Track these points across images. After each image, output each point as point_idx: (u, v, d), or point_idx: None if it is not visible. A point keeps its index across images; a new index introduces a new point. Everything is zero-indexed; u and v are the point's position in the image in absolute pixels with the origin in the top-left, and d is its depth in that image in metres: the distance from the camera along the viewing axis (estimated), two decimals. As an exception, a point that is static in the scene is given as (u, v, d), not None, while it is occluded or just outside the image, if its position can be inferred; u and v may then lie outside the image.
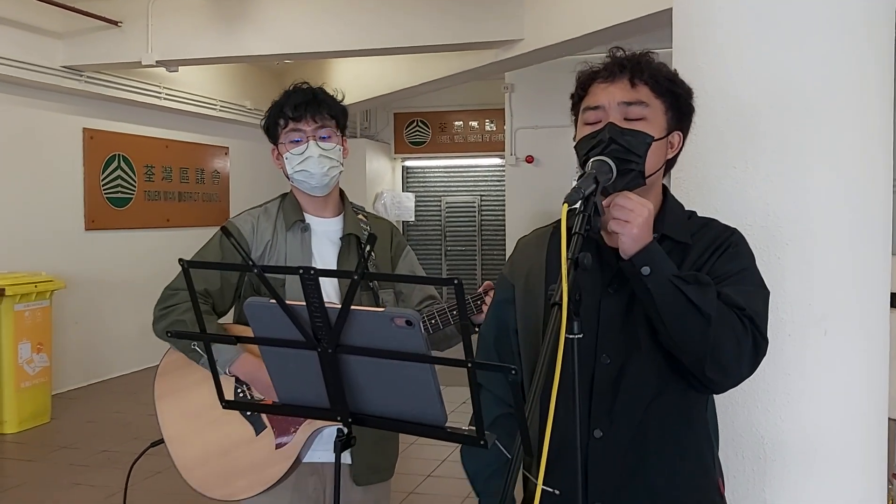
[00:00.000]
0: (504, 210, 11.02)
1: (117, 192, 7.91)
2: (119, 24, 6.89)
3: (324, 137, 2.18)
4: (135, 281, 7.84)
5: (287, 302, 1.08)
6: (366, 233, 2.25)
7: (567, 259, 1.25)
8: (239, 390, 2.13)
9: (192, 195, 9.01)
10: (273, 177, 10.16)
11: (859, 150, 1.96)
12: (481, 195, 12.32)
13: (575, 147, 1.58)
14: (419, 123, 12.16)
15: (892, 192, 2.08)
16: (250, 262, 1.07)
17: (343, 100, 2.25)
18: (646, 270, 1.39)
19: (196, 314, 1.17)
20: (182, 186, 8.85)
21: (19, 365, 6.00)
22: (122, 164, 7.97)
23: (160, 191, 8.52)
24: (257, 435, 2.09)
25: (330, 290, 2.16)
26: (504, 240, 10.85)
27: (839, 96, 1.95)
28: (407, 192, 12.31)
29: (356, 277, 1.02)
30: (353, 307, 1.04)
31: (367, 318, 1.05)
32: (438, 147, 12.17)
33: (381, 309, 1.03)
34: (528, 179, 10.32)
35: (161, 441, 2.16)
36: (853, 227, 1.96)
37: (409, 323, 1.02)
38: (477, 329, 2.13)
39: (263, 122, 2.24)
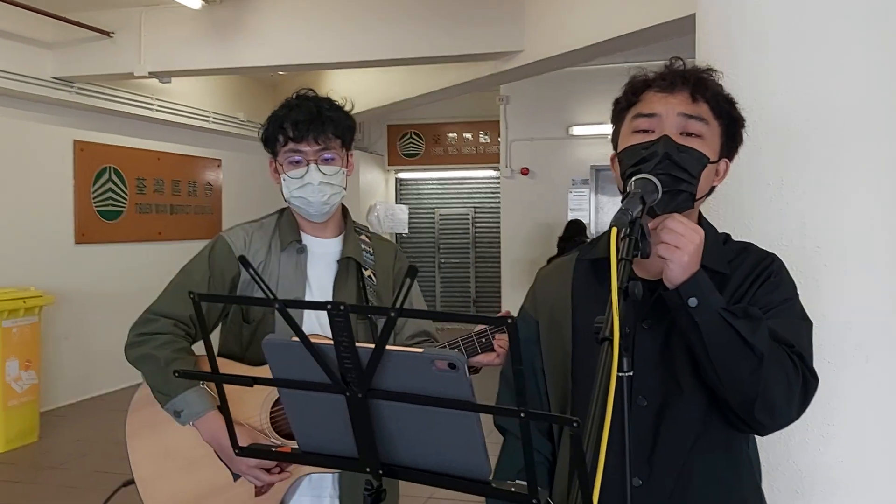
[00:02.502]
0: (498, 222, 10.95)
1: (108, 204, 7.76)
2: (111, 35, 6.77)
3: (326, 159, 1.98)
4: (126, 295, 7.67)
5: (314, 340, 0.96)
6: (369, 257, 2.11)
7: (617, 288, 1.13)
8: None
9: (185, 208, 8.86)
10: (266, 190, 9.98)
11: (900, 166, 1.86)
12: (475, 207, 12.23)
13: (619, 154, 1.44)
14: (413, 135, 12.09)
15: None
16: (272, 296, 0.94)
17: (352, 109, 2.07)
18: (693, 302, 1.27)
19: (208, 352, 1.05)
20: (174, 199, 8.70)
21: (6, 383, 5.83)
22: (113, 176, 7.82)
23: (152, 203, 8.37)
24: (235, 480, 1.91)
25: (325, 321, 1.99)
26: (499, 252, 10.76)
27: (878, 112, 1.85)
28: (400, 204, 12.21)
29: (393, 315, 0.90)
30: (388, 347, 0.92)
31: (404, 359, 0.93)
32: (432, 159, 12.09)
33: (420, 350, 0.91)
34: (524, 192, 10.26)
35: (132, 481, 1.98)
36: (893, 247, 1.86)
37: (452, 366, 0.90)
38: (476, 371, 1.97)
39: (262, 131, 2.04)
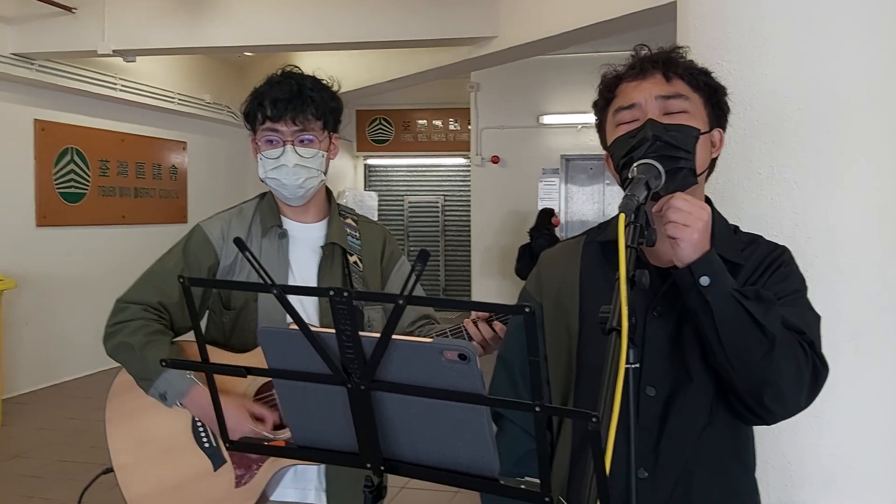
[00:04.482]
0: (468, 210, 10.92)
1: (70, 187, 7.56)
2: (73, 11, 6.56)
3: (304, 141, 1.90)
4: (89, 279, 7.52)
5: (313, 328, 0.90)
6: (355, 242, 2.04)
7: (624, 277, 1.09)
8: (199, 423, 1.89)
9: (149, 191, 8.68)
10: (233, 173, 9.84)
11: (893, 154, 1.85)
12: (445, 195, 12.19)
13: (609, 149, 1.43)
14: (382, 121, 11.99)
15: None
16: (270, 281, 0.88)
17: (339, 90, 1.99)
18: (705, 281, 1.24)
19: (198, 341, 0.98)
20: (138, 182, 8.52)
21: (-35, 369, 5.68)
22: (76, 157, 7.62)
23: (115, 186, 8.18)
24: (215, 470, 1.86)
25: (310, 308, 1.94)
26: (468, 240, 10.74)
27: (871, 98, 1.83)
28: (369, 190, 12.12)
29: (401, 302, 0.84)
30: (394, 337, 0.87)
31: (411, 350, 0.88)
32: (402, 146, 12.02)
33: (429, 339, 0.86)
34: (494, 180, 10.24)
35: (111, 469, 1.92)
36: (886, 237, 1.84)
37: (462, 357, 0.85)
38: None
39: (244, 106, 1.96)
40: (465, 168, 11.50)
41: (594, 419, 0.81)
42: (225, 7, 6.53)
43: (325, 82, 1.97)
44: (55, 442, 5.59)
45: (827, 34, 1.83)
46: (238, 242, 0.89)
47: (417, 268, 0.82)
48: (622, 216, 1.13)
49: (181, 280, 0.93)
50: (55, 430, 5.93)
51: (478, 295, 10.28)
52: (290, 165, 1.89)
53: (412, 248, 12.13)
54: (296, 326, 0.92)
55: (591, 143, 10.05)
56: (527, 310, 0.80)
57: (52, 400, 6.83)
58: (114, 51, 6.61)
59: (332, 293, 0.87)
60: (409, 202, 12.28)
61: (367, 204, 11.55)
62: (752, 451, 1.48)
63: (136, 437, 1.92)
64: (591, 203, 10.14)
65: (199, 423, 1.90)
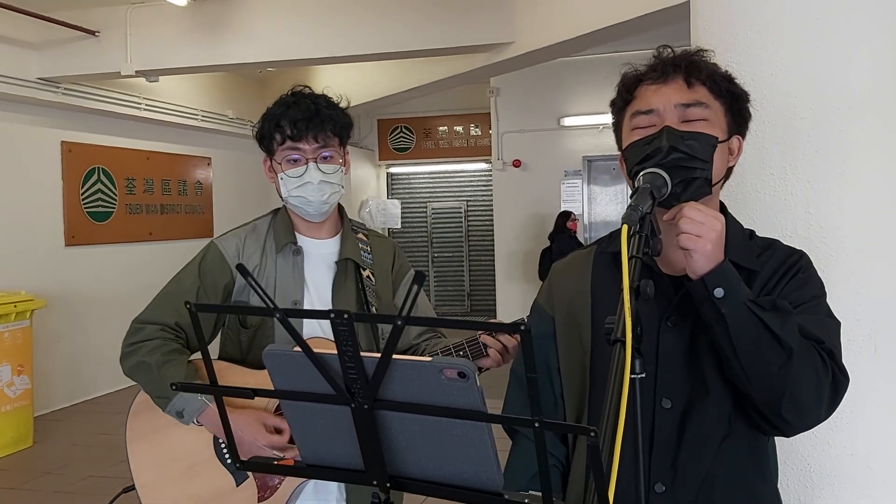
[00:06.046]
0: (491, 215, 10.93)
1: (98, 205, 7.69)
2: (96, 34, 6.69)
3: (325, 157, 1.95)
4: (118, 297, 7.63)
5: (316, 350, 0.92)
6: (367, 256, 2.07)
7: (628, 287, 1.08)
8: (221, 440, 1.92)
9: (175, 207, 8.79)
10: (258, 188, 9.98)
11: (907, 153, 1.83)
12: (467, 200, 12.21)
13: (623, 153, 1.41)
14: (403, 129, 12.04)
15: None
16: (272, 305, 0.90)
17: (348, 106, 2.03)
18: (719, 293, 1.21)
19: (206, 364, 1.01)
20: (164, 199, 8.63)
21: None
22: (102, 177, 7.75)
23: (142, 204, 8.30)
24: (238, 486, 1.88)
25: (315, 324, 1.95)
26: (492, 245, 10.74)
27: (886, 96, 1.81)
28: (392, 199, 12.17)
29: (399, 323, 0.86)
30: (394, 357, 0.88)
31: (412, 369, 0.89)
32: (423, 153, 12.06)
33: (428, 359, 0.87)
34: (516, 184, 10.25)
35: (132, 487, 1.95)
36: (902, 236, 1.83)
37: (462, 375, 0.87)
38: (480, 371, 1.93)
39: (256, 130, 2.00)
40: (487, 173, 11.51)
41: (593, 433, 0.81)
42: (244, 24, 6.62)
43: (334, 100, 2.01)
44: (86, 458, 5.68)
45: (836, 32, 1.82)
46: (241, 269, 0.91)
47: (414, 289, 0.83)
48: (625, 227, 1.13)
49: (188, 306, 0.95)
50: (87, 446, 6.02)
51: (502, 300, 10.28)
52: (315, 182, 1.92)
53: (436, 255, 12.16)
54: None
55: (613, 144, 9.92)
56: (522, 327, 0.81)
57: (83, 416, 6.93)
58: (137, 71, 6.73)
59: (332, 315, 0.88)
60: (433, 209, 12.31)
61: (391, 212, 11.59)
62: (773, 461, 1.46)
63: (158, 456, 1.94)
64: (615, 204, 10.10)
65: (221, 440, 1.92)
